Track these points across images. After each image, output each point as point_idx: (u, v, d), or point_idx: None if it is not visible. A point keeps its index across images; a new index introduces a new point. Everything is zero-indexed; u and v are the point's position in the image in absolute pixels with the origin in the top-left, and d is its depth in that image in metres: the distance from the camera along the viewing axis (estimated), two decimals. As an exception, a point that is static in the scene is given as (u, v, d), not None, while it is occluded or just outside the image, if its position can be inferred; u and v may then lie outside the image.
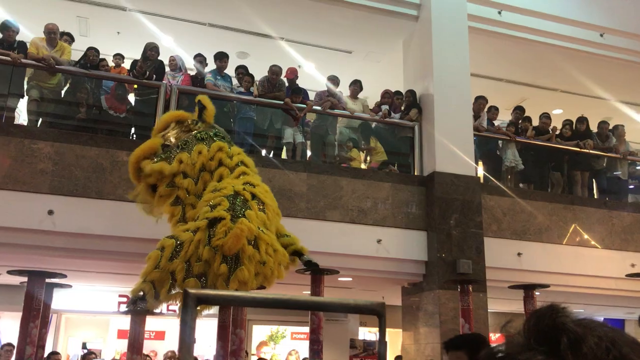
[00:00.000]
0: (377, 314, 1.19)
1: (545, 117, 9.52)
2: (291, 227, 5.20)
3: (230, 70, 8.30)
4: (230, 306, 4.88)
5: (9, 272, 5.55)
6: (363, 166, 8.57)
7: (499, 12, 9.31)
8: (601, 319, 14.61)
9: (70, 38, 7.95)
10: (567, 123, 9.63)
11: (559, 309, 0.75)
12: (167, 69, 7.92)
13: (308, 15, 9.06)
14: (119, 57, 8.29)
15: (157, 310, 4.88)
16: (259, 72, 8.30)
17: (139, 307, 4.77)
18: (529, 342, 0.74)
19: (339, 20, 9.10)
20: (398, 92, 8.89)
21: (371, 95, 9.25)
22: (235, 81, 8.34)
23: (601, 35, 9.94)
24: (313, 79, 9.89)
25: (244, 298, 1.16)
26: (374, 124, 8.81)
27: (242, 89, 8.09)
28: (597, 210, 8.87)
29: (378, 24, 9.17)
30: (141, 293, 4.68)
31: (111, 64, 8.12)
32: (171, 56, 8.11)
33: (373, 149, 8.56)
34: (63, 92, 7.65)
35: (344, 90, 8.75)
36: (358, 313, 1.20)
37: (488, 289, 7.61)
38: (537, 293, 7.30)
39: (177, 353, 8.80)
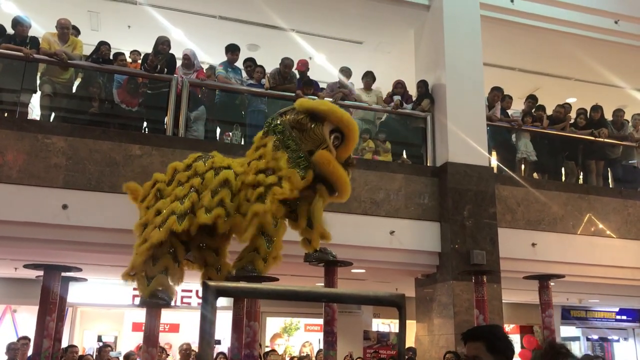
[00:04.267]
0: (396, 305, 1.18)
1: (561, 106, 9.42)
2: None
3: (239, 64, 8.27)
4: (245, 298, 4.90)
5: (25, 266, 5.59)
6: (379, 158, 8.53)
7: (512, 1, 9.21)
8: (617, 308, 14.53)
9: (76, 31, 7.95)
10: (582, 112, 9.52)
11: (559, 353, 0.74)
12: (179, 65, 7.87)
13: (318, 6, 9.01)
14: (135, 53, 8.29)
15: (172, 303, 4.96)
16: (270, 64, 8.27)
17: (162, 302, 4.83)
18: None
19: (350, 10, 9.05)
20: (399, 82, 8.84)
21: (383, 86, 9.20)
22: (245, 74, 8.31)
23: (616, 22, 9.80)
24: (324, 70, 9.84)
25: (263, 290, 1.15)
26: (383, 116, 8.75)
27: (251, 82, 8.07)
28: (613, 199, 8.78)
29: (389, 14, 9.10)
30: (160, 288, 4.74)
31: (128, 59, 8.12)
32: (185, 54, 7.95)
33: (384, 145, 8.48)
34: (75, 86, 7.67)
35: (356, 82, 8.70)
36: (378, 305, 1.19)
37: (502, 280, 7.57)
38: (552, 283, 7.24)
39: (192, 346, 8.85)
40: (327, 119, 4.70)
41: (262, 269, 4.63)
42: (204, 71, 8.07)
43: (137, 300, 6.49)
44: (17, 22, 7.29)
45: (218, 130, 8.06)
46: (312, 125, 4.67)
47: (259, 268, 4.61)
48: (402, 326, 1.18)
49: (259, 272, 4.60)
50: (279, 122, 4.79)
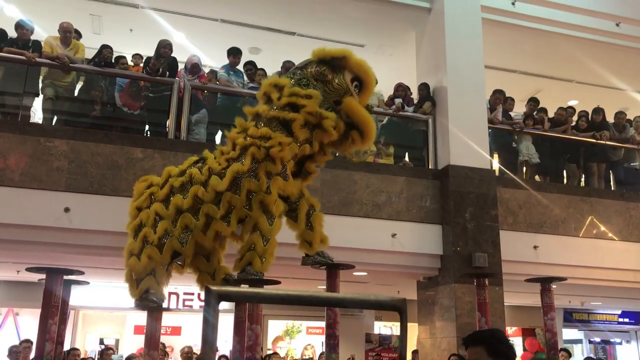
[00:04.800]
0: (398, 309, 1.18)
1: (562, 109, 9.42)
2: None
3: (240, 67, 8.29)
4: (247, 302, 4.91)
5: (28, 270, 5.60)
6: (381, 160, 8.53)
7: (513, 3, 9.22)
8: (619, 311, 14.51)
9: (78, 35, 7.97)
10: (583, 115, 9.51)
11: None
12: (182, 69, 7.88)
13: (320, 9, 9.03)
14: (137, 56, 8.30)
15: (173, 307, 4.99)
16: (272, 68, 8.28)
17: (152, 304, 4.85)
18: None
19: (351, 13, 9.06)
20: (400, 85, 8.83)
21: (384, 88, 9.20)
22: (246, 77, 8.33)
23: (617, 25, 9.81)
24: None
25: (265, 295, 1.16)
26: (385, 119, 8.75)
27: (252, 85, 8.09)
28: (614, 201, 8.77)
29: (390, 17, 9.11)
30: (149, 290, 4.77)
31: (130, 63, 8.15)
32: (195, 63, 7.88)
33: (385, 149, 8.47)
34: (77, 90, 7.69)
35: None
36: (379, 309, 1.19)
37: (504, 283, 7.56)
38: (554, 286, 7.23)
39: (194, 349, 8.86)
40: (347, 67, 4.79)
41: (261, 268, 4.63)
42: (205, 75, 8.08)
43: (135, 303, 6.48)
44: (19, 26, 7.31)
45: (220, 133, 8.07)
46: (334, 76, 4.75)
47: (257, 267, 4.62)
48: (404, 330, 1.18)
49: (259, 272, 4.60)
50: (301, 75, 4.82)
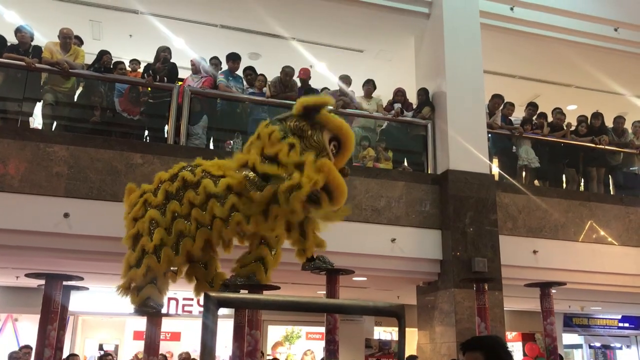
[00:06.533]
0: (396, 316, 1.19)
1: (559, 112, 9.44)
2: (305, 227, 5.19)
3: (239, 72, 8.31)
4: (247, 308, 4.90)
5: (27, 275, 5.60)
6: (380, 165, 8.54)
7: (511, 9, 9.25)
8: (619, 316, 14.49)
9: (78, 41, 8.00)
10: (582, 120, 9.53)
11: None
12: (189, 72, 8.00)
13: (319, 14, 9.06)
14: (135, 62, 8.34)
15: (173, 312, 4.99)
16: (271, 73, 8.30)
17: (151, 310, 4.84)
18: None
19: (350, 19, 9.09)
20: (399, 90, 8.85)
21: (383, 93, 9.23)
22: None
23: (615, 30, 9.84)
24: (325, 78, 9.87)
25: (264, 301, 1.16)
26: (384, 124, 8.77)
27: (252, 90, 8.12)
28: (614, 206, 8.78)
29: (389, 22, 9.14)
30: (150, 297, 4.77)
31: (127, 68, 8.18)
32: (192, 60, 8.12)
33: (385, 154, 8.48)
34: (77, 95, 7.70)
35: (356, 90, 8.73)
36: (377, 315, 1.20)
37: (504, 288, 7.56)
38: (553, 291, 7.22)
39: (191, 355, 8.84)
40: (327, 127, 4.70)
41: (264, 280, 4.63)
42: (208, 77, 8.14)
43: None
44: (19, 31, 7.33)
45: (220, 138, 8.08)
46: (313, 133, 4.67)
47: (260, 278, 4.62)
48: (402, 336, 1.18)
49: (260, 282, 4.61)
50: (279, 127, 4.74)
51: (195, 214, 4.58)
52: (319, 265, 5.06)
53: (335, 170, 4.60)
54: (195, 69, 8.09)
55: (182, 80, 8.21)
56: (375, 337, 12.63)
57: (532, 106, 9.43)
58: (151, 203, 4.83)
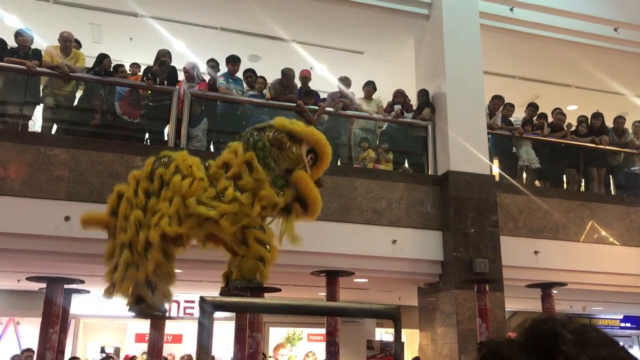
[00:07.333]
0: (392, 318, 1.19)
1: (559, 112, 9.44)
2: (306, 229, 5.19)
3: (239, 74, 8.31)
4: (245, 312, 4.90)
5: (28, 279, 5.62)
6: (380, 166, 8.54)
7: (511, 9, 9.25)
8: (621, 316, 14.46)
9: (78, 44, 8.01)
10: (583, 120, 9.52)
11: (556, 320, 0.76)
12: (183, 77, 7.94)
13: (319, 16, 9.07)
14: (135, 65, 8.35)
15: (175, 315, 4.96)
16: (271, 75, 8.31)
17: (156, 312, 4.83)
18: (525, 351, 0.76)
19: (350, 21, 9.09)
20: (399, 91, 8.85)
21: (383, 95, 9.24)
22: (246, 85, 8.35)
23: (615, 30, 9.83)
24: (325, 80, 9.88)
25: (261, 305, 1.17)
26: (384, 125, 8.78)
27: (252, 93, 8.12)
28: (615, 206, 8.77)
29: (389, 24, 9.15)
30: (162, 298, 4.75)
31: (128, 71, 8.19)
32: (185, 68, 8.00)
33: (385, 155, 8.48)
34: (77, 99, 7.72)
35: (357, 92, 8.74)
36: (374, 317, 1.20)
37: (505, 288, 7.55)
38: (555, 291, 7.23)
39: (192, 357, 8.84)
40: (305, 139, 4.75)
41: (265, 278, 4.61)
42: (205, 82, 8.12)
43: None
44: (19, 34, 7.35)
45: (220, 140, 8.09)
46: (291, 145, 4.72)
47: (262, 277, 4.60)
48: (398, 338, 1.19)
49: (260, 283, 4.59)
50: (257, 138, 4.77)
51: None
52: (242, 284, 4.88)
53: (310, 182, 4.68)
54: (189, 76, 7.93)
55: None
56: (377, 338, 12.62)
57: (532, 107, 9.43)
58: (133, 204, 4.78)
